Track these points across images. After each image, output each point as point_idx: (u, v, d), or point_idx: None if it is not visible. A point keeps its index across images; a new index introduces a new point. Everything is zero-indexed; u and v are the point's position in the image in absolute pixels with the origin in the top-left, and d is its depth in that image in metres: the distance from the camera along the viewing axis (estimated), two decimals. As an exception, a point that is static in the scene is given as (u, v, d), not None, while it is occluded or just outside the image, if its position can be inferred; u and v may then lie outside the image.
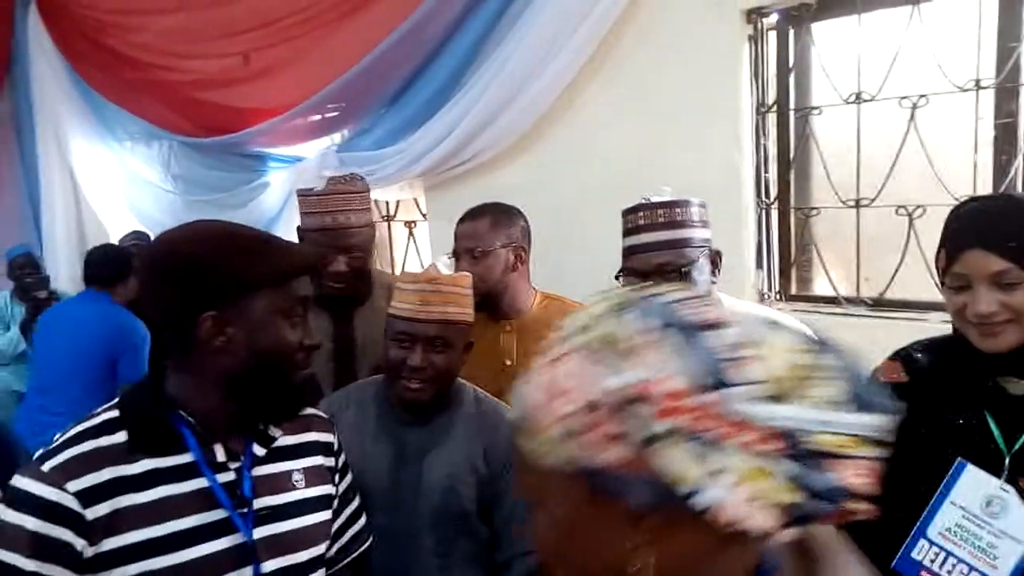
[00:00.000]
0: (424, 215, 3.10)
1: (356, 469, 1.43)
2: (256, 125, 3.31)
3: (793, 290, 2.29)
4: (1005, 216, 1.17)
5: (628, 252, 1.57)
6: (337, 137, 3.20)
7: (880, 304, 2.07)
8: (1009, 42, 1.77)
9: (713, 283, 1.55)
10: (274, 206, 3.30)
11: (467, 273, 1.64)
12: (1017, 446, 1.18)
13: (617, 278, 1.58)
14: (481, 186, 2.67)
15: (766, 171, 2.24)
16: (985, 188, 1.85)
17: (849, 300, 2.13)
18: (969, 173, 1.87)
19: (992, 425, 1.20)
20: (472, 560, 1.52)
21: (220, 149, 3.56)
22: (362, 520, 1.37)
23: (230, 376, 1.08)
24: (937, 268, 1.25)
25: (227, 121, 3.48)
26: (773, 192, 2.24)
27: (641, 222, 1.55)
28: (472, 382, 1.86)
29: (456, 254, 1.94)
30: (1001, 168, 1.83)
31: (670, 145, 2.26)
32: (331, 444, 1.31)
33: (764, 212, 2.26)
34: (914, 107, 1.91)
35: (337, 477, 1.30)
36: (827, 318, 2.11)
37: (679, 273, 1.49)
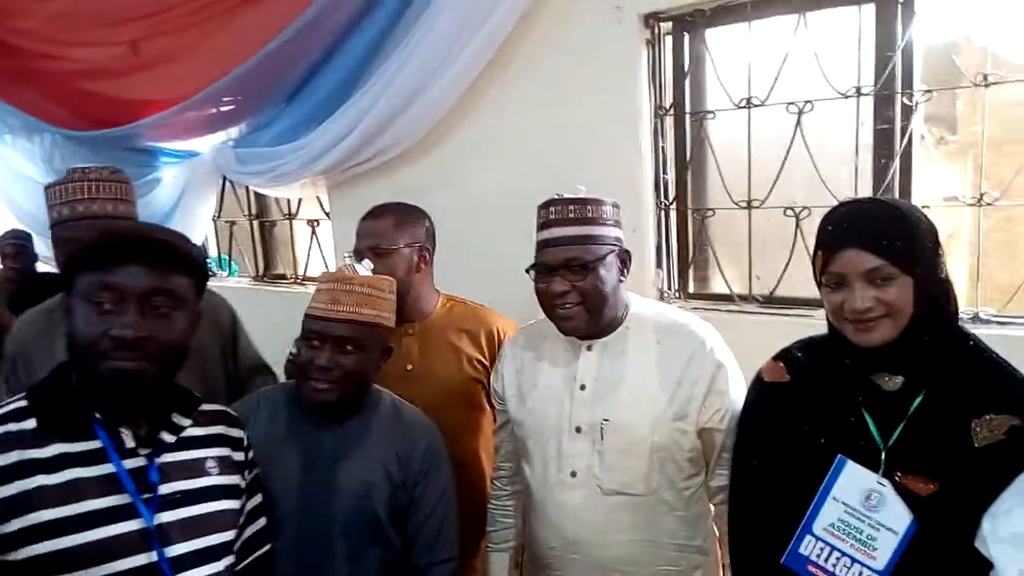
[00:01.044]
0: (327, 214, 3.03)
1: (266, 474, 1.41)
2: (146, 118, 3.15)
3: (691, 288, 2.35)
4: (877, 217, 1.23)
5: (538, 246, 1.59)
6: (233, 132, 3.09)
7: (770, 301, 2.15)
8: (886, 52, 1.87)
9: (621, 281, 1.58)
10: (166, 203, 3.15)
11: (389, 277, 1.61)
12: (891, 441, 1.24)
13: (528, 272, 1.59)
14: (385, 185, 2.64)
15: (665, 173, 2.29)
16: (865, 191, 1.95)
17: (742, 298, 2.21)
18: (851, 176, 1.97)
19: (869, 421, 1.26)
20: (384, 568, 1.51)
21: (107, 143, 3.36)
22: (263, 521, 1.36)
23: (72, 362, 1.14)
24: (814, 268, 1.30)
25: (115, 113, 3.29)
26: (672, 193, 2.30)
27: (552, 217, 1.57)
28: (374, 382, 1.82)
29: (358, 253, 1.90)
30: (880, 172, 1.93)
31: (574, 145, 2.28)
32: (240, 439, 1.32)
33: (663, 213, 2.31)
34: (800, 112, 2.00)
35: (246, 472, 1.31)
36: (722, 315, 2.18)
37: (584, 268, 1.52)
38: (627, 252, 1.59)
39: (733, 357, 1.59)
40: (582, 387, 1.59)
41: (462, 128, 2.50)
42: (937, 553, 1.17)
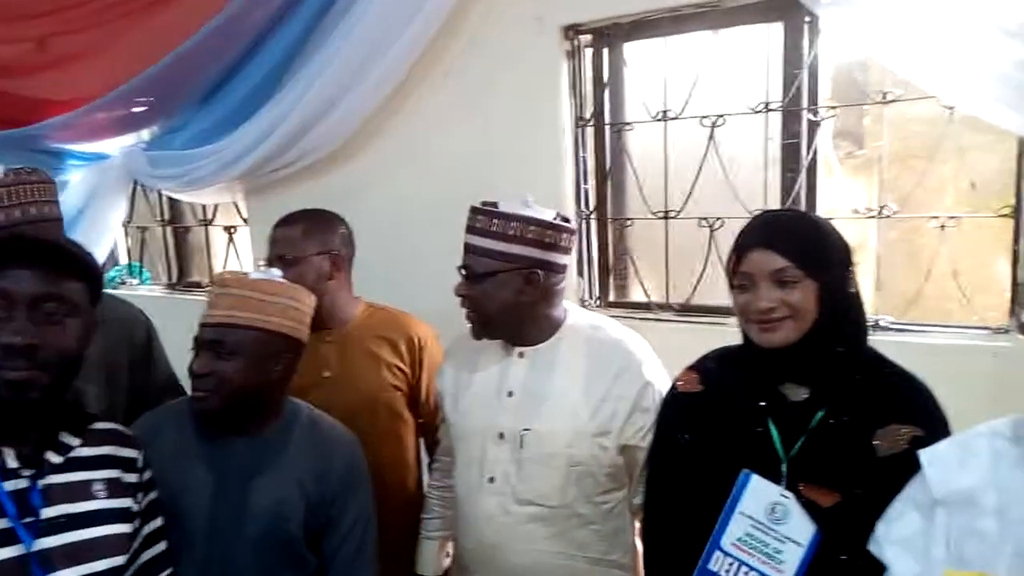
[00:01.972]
0: (245, 220, 2.95)
1: (175, 494, 1.34)
2: (53, 118, 3.00)
3: (611, 297, 2.38)
4: (788, 222, 1.28)
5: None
6: (145, 134, 2.98)
7: (686, 309, 2.20)
8: (793, 69, 1.94)
9: (523, 299, 1.54)
10: (73, 208, 2.99)
11: (297, 286, 1.56)
12: (793, 452, 1.26)
13: (459, 270, 1.60)
14: (305, 190, 2.58)
15: (585, 183, 2.32)
16: (774, 203, 2.02)
17: (660, 306, 2.25)
18: (761, 189, 2.03)
19: (774, 432, 1.28)
20: (298, 590, 1.45)
21: (11, 144, 3.17)
22: (162, 546, 1.29)
23: None
24: (727, 271, 1.33)
25: (19, 113, 3.11)
26: (592, 203, 2.33)
27: (468, 223, 1.59)
28: (288, 394, 1.78)
29: (270, 261, 1.86)
30: (788, 185, 2.00)
31: (497, 154, 2.28)
32: (133, 460, 1.25)
33: (584, 222, 2.34)
34: (713, 126, 2.05)
35: (140, 495, 1.24)
36: (640, 323, 2.21)
37: (472, 278, 1.55)
38: (536, 274, 1.53)
39: (665, 375, 1.59)
40: (510, 394, 1.59)
41: (384, 135, 2.47)
42: (840, 562, 1.19)
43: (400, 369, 1.90)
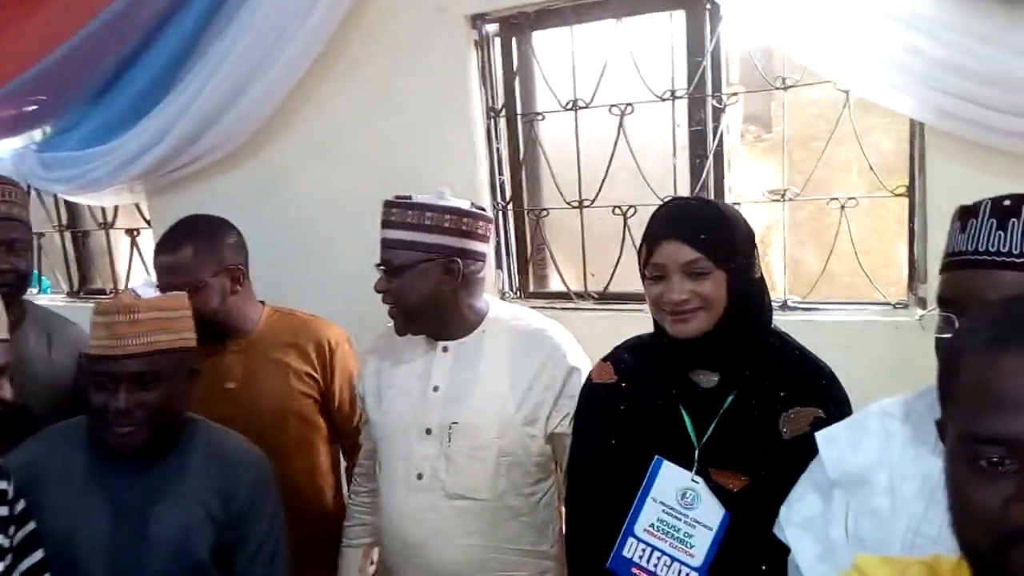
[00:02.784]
0: (148, 222, 2.82)
1: (66, 528, 1.26)
2: (-70, 120, 2.80)
3: (531, 287, 2.38)
4: (697, 213, 1.29)
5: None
6: (36, 135, 2.81)
7: (604, 297, 2.21)
8: (696, 56, 1.96)
9: (444, 289, 1.55)
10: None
11: (181, 293, 1.50)
12: (705, 438, 1.29)
13: (378, 266, 1.58)
14: (211, 189, 2.49)
15: (501, 174, 2.30)
16: (684, 189, 2.04)
17: (578, 295, 2.25)
18: (671, 175, 2.06)
19: (686, 419, 1.30)
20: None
21: None
22: None
23: None
24: (639, 262, 1.34)
25: None
26: (508, 194, 2.31)
27: (382, 217, 1.58)
28: (194, 410, 1.71)
29: (162, 289, 1.77)
30: (696, 171, 2.03)
31: (409, 147, 2.24)
32: (3, 491, 1.18)
33: (501, 213, 2.32)
34: (622, 114, 2.06)
35: (12, 528, 1.17)
36: (560, 313, 2.22)
37: (391, 272, 1.54)
38: (455, 263, 1.55)
39: (588, 362, 1.59)
40: (435, 388, 1.58)
41: (291, 130, 2.39)
42: (749, 545, 1.22)
43: (310, 376, 1.84)
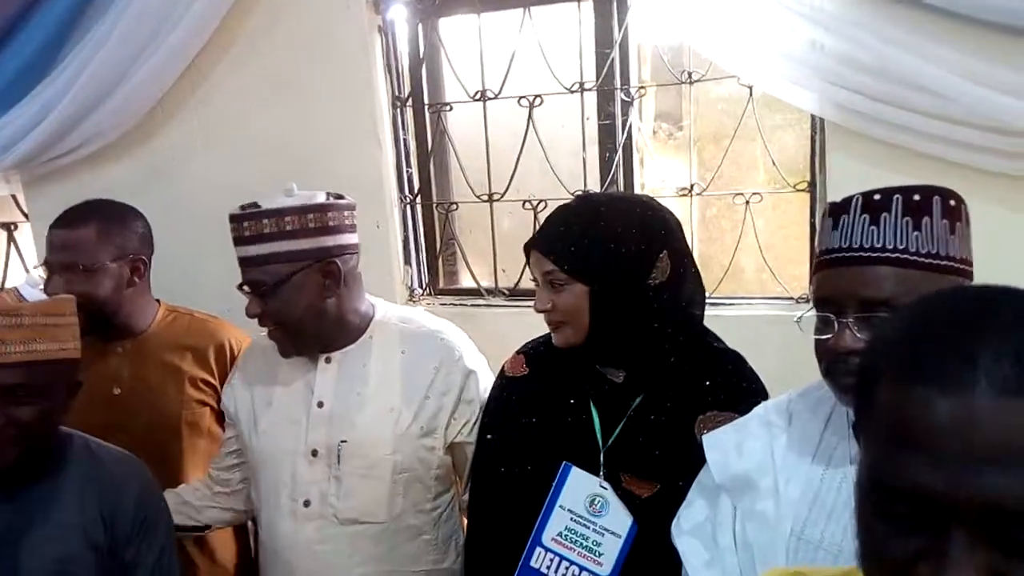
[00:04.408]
0: (26, 215, 2.61)
1: None
2: None
3: (441, 284, 2.31)
4: (563, 221, 1.24)
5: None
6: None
7: (515, 294, 2.16)
8: (605, 48, 1.94)
9: (328, 297, 1.42)
10: None
11: (68, 296, 1.34)
12: (611, 440, 1.25)
13: (241, 289, 1.42)
14: (94, 180, 2.31)
15: (408, 166, 2.22)
16: (593, 183, 2.02)
17: (489, 292, 2.20)
18: (581, 169, 2.02)
19: (595, 418, 1.26)
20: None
21: None
22: None
23: None
24: None
25: None
26: (416, 187, 2.23)
27: (233, 234, 1.41)
28: (74, 415, 1.56)
29: (50, 267, 1.61)
30: (605, 164, 2.01)
31: (310, 136, 2.13)
32: None
33: (409, 207, 2.24)
34: (531, 106, 2.02)
35: None
36: (472, 310, 2.16)
37: (265, 292, 1.37)
38: (333, 263, 1.41)
39: (486, 363, 1.53)
40: (319, 404, 1.44)
41: (182, 117, 2.24)
42: (657, 553, 1.18)
43: (207, 383, 1.71)
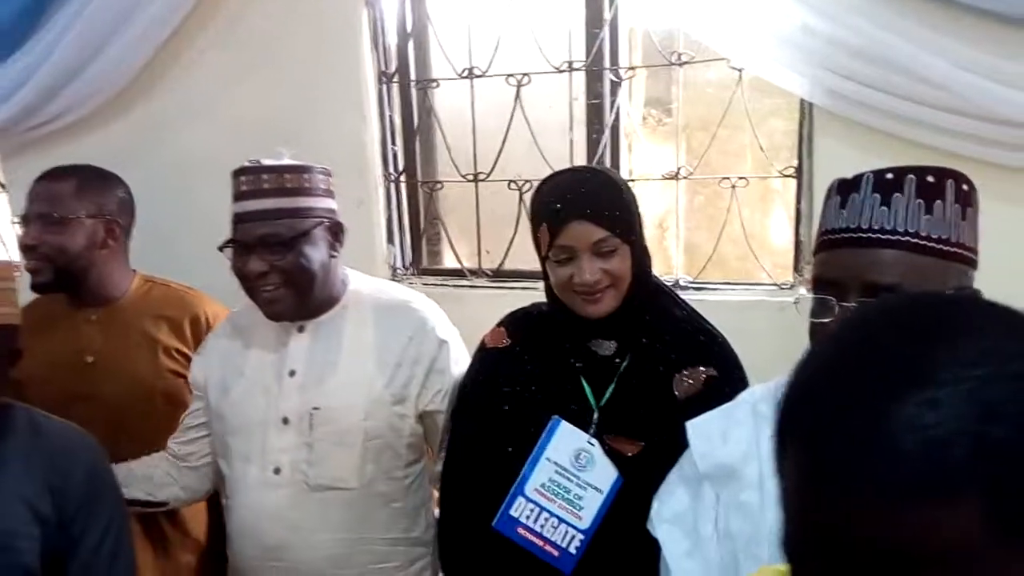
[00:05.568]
0: (3, 184, 2.56)
1: None
2: None
3: (424, 263, 2.29)
4: (599, 189, 1.25)
5: (233, 221, 1.41)
6: None
7: (499, 275, 2.14)
8: (594, 28, 1.91)
9: (333, 257, 1.45)
10: None
11: (8, 261, 1.32)
12: (603, 401, 1.28)
13: (221, 250, 1.41)
14: (74, 150, 2.24)
15: (393, 143, 2.19)
16: (580, 164, 1.99)
17: (473, 272, 2.18)
18: (568, 150, 2.00)
19: (585, 386, 1.29)
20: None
21: None
22: None
23: None
24: (537, 242, 1.28)
25: None
26: (401, 165, 2.21)
27: (244, 188, 1.40)
28: (43, 384, 1.54)
29: (25, 219, 1.60)
30: (593, 146, 1.99)
31: (294, 110, 2.10)
32: None
33: (393, 185, 2.21)
34: (519, 85, 1.99)
35: None
36: (454, 291, 2.14)
37: (283, 246, 1.37)
38: (339, 224, 1.47)
39: (458, 335, 1.53)
40: (292, 373, 1.45)
41: (164, 88, 2.20)
42: (638, 511, 1.18)
43: (182, 353, 1.68)
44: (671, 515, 1.05)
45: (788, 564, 0.48)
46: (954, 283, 0.88)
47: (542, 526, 1.26)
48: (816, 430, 0.44)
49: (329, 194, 1.47)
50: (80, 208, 1.63)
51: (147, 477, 1.54)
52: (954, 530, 0.40)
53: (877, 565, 0.42)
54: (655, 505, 1.08)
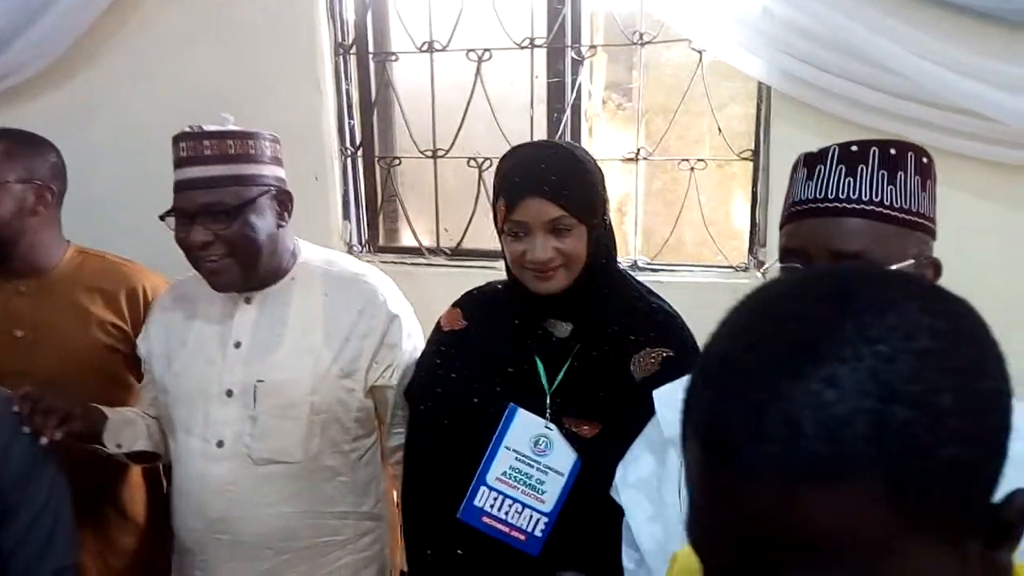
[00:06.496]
0: (-64, 151, 2.44)
1: None
2: None
3: (381, 241, 2.25)
4: (558, 166, 1.23)
5: (174, 189, 1.36)
6: None
7: (457, 253, 2.12)
8: (556, 5, 1.89)
9: (281, 227, 1.41)
10: None
11: None
12: (555, 385, 1.27)
13: (163, 219, 1.36)
14: (14, 116, 2.11)
15: (350, 118, 2.14)
16: (540, 142, 1.97)
17: (431, 251, 2.15)
18: (528, 128, 1.98)
19: (540, 367, 1.28)
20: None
21: None
22: None
23: None
24: (495, 216, 1.27)
25: None
26: (358, 140, 2.16)
27: (184, 154, 1.34)
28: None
29: None
30: (553, 124, 1.97)
31: (246, 79, 2.04)
32: None
33: (350, 160, 2.17)
34: (480, 61, 1.96)
35: None
36: (411, 269, 2.11)
37: (228, 215, 1.32)
38: (287, 193, 1.42)
39: (411, 309, 1.51)
40: (237, 345, 1.42)
41: (108, 53, 2.12)
42: (598, 490, 1.19)
43: (116, 327, 1.61)
44: (636, 480, 1.05)
45: (693, 548, 0.46)
46: (914, 251, 0.90)
47: (507, 513, 1.26)
48: (714, 407, 0.43)
49: (277, 162, 1.42)
50: (9, 172, 1.55)
51: (151, 433, 1.51)
52: (855, 514, 0.38)
53: (779, 549, 0.40)
54: (619, 471, 1.09)
